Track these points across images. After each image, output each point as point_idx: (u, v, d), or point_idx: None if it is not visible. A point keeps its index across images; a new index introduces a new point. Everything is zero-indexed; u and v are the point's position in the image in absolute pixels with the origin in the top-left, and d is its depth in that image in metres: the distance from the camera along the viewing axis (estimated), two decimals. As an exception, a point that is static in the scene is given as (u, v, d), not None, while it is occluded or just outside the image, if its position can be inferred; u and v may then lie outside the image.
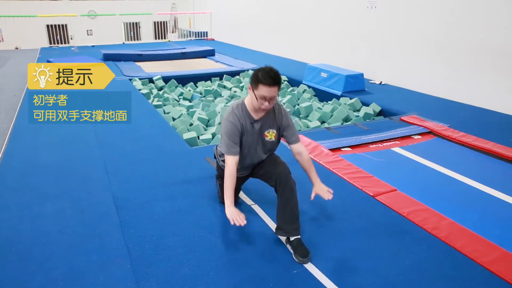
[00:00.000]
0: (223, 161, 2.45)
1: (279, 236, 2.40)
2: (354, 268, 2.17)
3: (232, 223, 2.20)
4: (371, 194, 2.98)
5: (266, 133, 2.39)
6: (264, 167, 2.49)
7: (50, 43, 12.80)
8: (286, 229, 2.31)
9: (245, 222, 2.18)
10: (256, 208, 2.79)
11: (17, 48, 11.82)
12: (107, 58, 9.27)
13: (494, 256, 2.26)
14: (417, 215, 2.69)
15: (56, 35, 13.10)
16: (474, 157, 3.89)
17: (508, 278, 2.11)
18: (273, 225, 2.56)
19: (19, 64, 9.15)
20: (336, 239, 2.44)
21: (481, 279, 2.12)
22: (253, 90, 2.22)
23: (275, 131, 2.42)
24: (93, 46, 12.32)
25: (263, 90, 2.16)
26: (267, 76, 2.14)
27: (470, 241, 2.40)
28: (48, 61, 8.85)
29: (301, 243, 2.27)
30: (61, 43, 13.05)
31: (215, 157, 2.69)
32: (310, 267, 2.18)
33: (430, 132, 4.53)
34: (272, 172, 2.41)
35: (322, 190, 2.41)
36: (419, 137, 4.43)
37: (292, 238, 2.29)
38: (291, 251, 2.27)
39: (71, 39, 13.16)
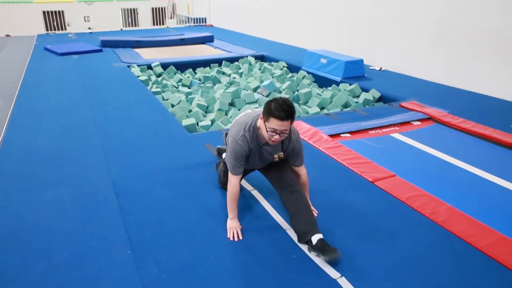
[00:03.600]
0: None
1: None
2: (353, 253, 2.19)
3: (228, 235, 2.31)
4: (370, 180, 2.99)
5: (275, 155, 2.37)
6: (271, 174, 2.50)
7: (47, 30, 12.64)
8: (309, 229, 2.19)
9: (241, 238, 2.29)
10: (256, 193, 2.80)
11: (8, 35, 11.63)
12: (105, 44, 9.17)
13: (491, 240, 2.28)
14: (415, 200, 2.70)
15: (53, 22, 12.91)
16: (473, 143, 3.89)
17: (504, 261, 2.13)
18: (272, 211, 2.58)
19: (15, 51, 9.06)
20: (334, 224, 2.45)
21: (478, 263, 2.14)
22: (264, 121, 2.12)
23: (283, 154, 2.39)
24: (90, 33, 12.17)
25: (274, 123, 2.06)
26: (280, 109, 2.03)
27: (468, 226, 2.42)
28: (45, 48, 8.76)
29: (325, 242, 2.14)
30: (58, 29, 12.89)
31: (226, 144, 2.65)
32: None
33: (430, 118, 4.52)
34: (278, 183, 2.45)
35: None
36: (419, 123, 4.42)
37: (315, 241, 2.14)
38: (320, 255, 2.10)
39: (68, 25, 12.96)
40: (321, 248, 2.10)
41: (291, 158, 2.41)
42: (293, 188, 2.37)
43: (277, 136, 2.13)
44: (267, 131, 2.12)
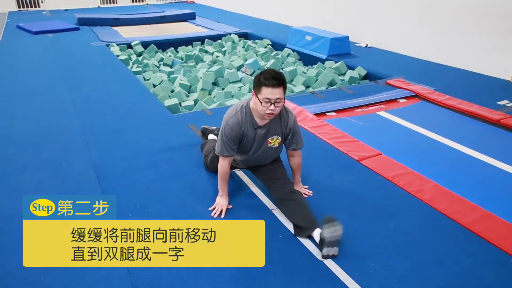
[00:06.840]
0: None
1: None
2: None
3: (213, 212, 2.29)
4: (356, 159, 2.98)
5: (270, 139, 2.27)
6: (268, 179, 2.41)
7: (19, 7, 12.05)
8: (307, 225, 2.12)
9: (222, 216, 2.28)
10: (241, 174, 2.76)
11: None
12: (82, 22, 8.80)
13: (475, 217, 2.31)
14: (401, 178, 2.70)
15: (25, -2, 12.29)
16: (459, 120, 3.91)
17: (487, 237, 2.16)
18: (258, 192, 2.55)
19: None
20: (320, 203, 2.44)
21: (462, 240, 2.16)
22: (256, 95, 2.06)
23: (279, 138, 2.29)
24: (66, 10, 11.68)
25: (267, 92, 2.00)
26: (270, 76, 1.99)
27: (452, 203, 2.43)
28: (18, 26, 8.35)
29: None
30: (31, 6, 12.29)
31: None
32: (296, 232, 2.18)
33: (416, 96, 4.51)
34: (273, 189, 2.37)
35: (300, 190, 2.48)
36: (405, 100, 4.41)
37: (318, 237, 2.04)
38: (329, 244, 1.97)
39: (42, 2, 12.38)
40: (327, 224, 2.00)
41: (289, 141, 2.32)
42: (287, 196, 2.27)
43: (272, 107, 2.04)
44: (260, 103, 2.04)
